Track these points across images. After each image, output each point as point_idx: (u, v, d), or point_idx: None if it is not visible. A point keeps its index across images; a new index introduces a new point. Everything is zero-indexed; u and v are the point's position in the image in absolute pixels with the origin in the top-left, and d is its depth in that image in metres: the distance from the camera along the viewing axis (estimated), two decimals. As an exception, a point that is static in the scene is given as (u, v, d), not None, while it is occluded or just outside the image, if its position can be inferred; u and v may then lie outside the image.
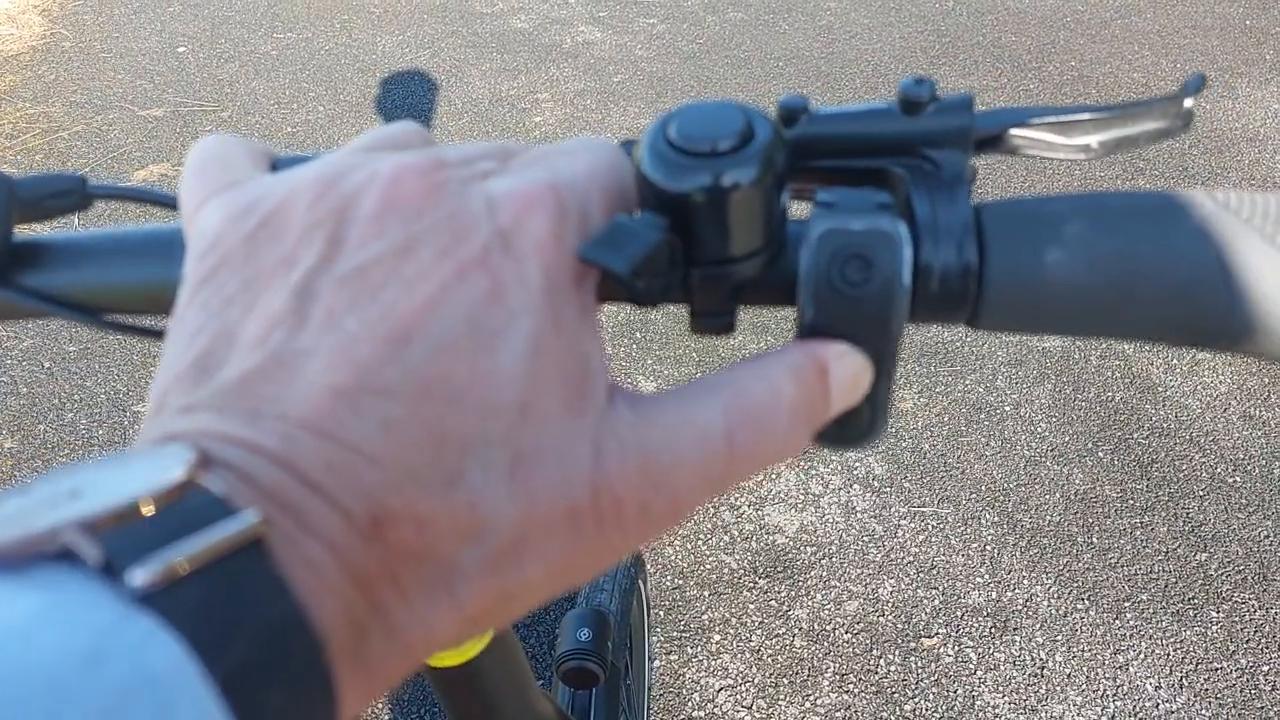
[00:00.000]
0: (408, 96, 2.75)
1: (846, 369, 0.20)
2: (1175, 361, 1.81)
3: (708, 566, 1.46)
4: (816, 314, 0.20)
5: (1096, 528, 1.51)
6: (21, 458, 1.64)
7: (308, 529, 0.15)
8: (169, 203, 0.29)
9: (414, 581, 0.16)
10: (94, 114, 2.65)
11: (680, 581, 1.44)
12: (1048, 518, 1.53)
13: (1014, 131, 0.23)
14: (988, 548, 1.48)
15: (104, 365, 1.83)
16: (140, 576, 0.12)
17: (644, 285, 0.18)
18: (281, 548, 0.14)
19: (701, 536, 1.51)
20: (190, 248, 0.19)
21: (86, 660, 0.11)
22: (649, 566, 1.46)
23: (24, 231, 0.28)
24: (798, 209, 0.22)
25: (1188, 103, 0.23)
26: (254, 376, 0.16)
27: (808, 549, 1.49)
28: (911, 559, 1.47)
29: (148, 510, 0.13)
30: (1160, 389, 1.75)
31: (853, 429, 0.21)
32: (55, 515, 0.13)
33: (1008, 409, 1.72)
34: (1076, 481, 1.58)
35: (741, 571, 1.46)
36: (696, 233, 0.20)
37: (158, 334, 0.28)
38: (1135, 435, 1.66)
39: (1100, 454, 1.63)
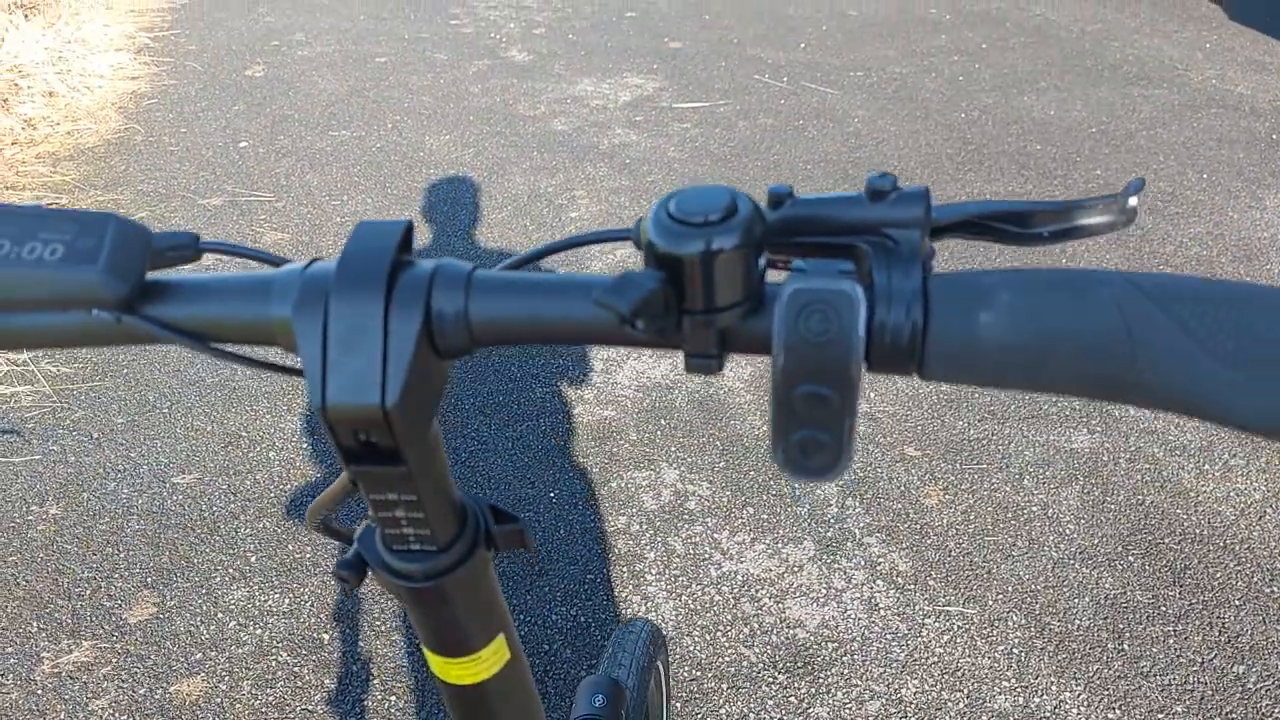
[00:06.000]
0: (451, 191, 2.89)
1: None
2: (1207, 467, 1.79)
3: (726, 659, 1.45)
4: (787, 359, 0.24)
5: (1128, 634, 1.47)
6: (64, 524, 1.69)
7: None
8: (263, 258, 0.35)
9: None
10: (158, 202, 2.81)
11: (698, 673, 1.42)
12: (1077, 622, 1.49)
13: (972, 219, 0.28)
14: (1014, 651, 1.45)
15: (149, 437, 1.90)
16: None
17: (643, 324, 0.23)
18: None
19: (721, 628, 1.49)
20: None
21: None
22: (669, 655, 1.44)
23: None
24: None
25: (1131, 201, 0.27)
26: None
27: (829, 645, 1.46)
28: (936, 659, 1.44)
29: None
30: (1192, 494, 1.73)
31: (820, 461, 0.25)
32: None
33: (1035, 509, 1.70)
34: (1106, 586, 1.55)
35: (761, 665, 1.43)
36: (689, 286, 0.25)
37: (252, 361, 0.33)
38: (1167, 540, 1.63)
39: (1130, 558, 1.60)
